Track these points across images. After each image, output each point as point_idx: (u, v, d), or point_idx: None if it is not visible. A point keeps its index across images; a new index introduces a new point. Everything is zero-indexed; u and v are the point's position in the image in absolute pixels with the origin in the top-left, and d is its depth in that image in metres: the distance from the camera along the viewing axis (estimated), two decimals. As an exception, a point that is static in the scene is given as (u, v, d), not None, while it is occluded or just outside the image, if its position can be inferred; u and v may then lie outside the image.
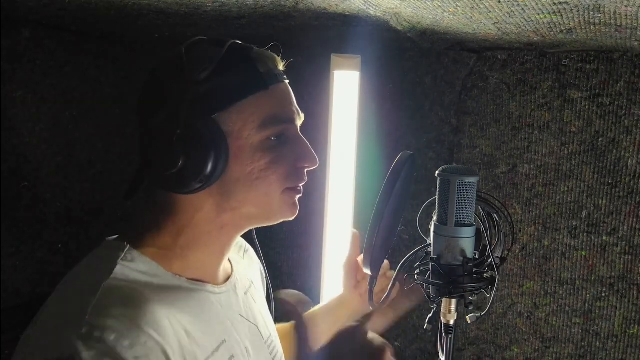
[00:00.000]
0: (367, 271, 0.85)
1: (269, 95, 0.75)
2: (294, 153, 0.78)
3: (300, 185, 0.79)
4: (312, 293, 1.40)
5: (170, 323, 0.67)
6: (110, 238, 0.77)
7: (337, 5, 1.06)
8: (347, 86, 1.35)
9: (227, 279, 0.85)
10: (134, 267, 0.70)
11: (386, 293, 0.91)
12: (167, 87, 0.73)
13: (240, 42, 0.77)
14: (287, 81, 0.80)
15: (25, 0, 1.27)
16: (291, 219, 0.81)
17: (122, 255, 0.70)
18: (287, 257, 1.86)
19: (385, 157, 1.61)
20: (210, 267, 0.81)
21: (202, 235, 0.77)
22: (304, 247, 1.80)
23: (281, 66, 0.80)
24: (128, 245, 0.72)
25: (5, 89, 1.71)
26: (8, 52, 1.70)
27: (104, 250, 0.74)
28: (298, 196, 0.80)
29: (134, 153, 2.15)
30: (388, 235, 0.84)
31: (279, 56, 0.80)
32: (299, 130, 0.80)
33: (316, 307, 1.14)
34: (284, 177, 0.76)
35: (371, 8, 1.05)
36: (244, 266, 0.96)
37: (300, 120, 0.81)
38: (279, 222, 0.81)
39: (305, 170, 0.79)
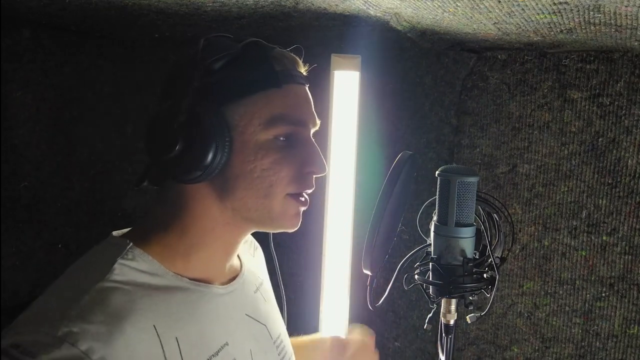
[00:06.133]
0: (367, 271, 0.85)
1: (281, 94, 0.74)
2: (301, 156, 0.75)
3: (305, 193, 0.77)
4: (312, 293, 1.40)
5: (157, 333, 0.67)
6: (117, 232, 0.77)
7: (337, 5, 1.06)
8: (347, 86, 1.35)
9: (235, 277, 0.84)
10: (134, 265, 0.70)
11: (385, 294, 0.92)
12: (179, 76, 0.73)
13: (262, 41, 0.76)
14: (306, 85, 0.78)
15: (25, 0, 1.27)
16: (291, 230, 0.78)
17: (123, 254, 0.70)
18: (287, 258, 1.86)
19: (385, 157, 1.61)
20: (215, 267, 0.80)
21: (206, 233, 0.76)
22: (304, 247, 1.80)
23: (302, 69, 0.79)
24: (131, 243, 0.72)
25: (5, 89, 1.71)
26: (8, 52, 1.70)
27: (107, 246, 0.74)
28: (302, 208, 0.77)
29: (134, 153, 2.16)
30: (388, 235, 0.84)
31: (300, 59, 0.79)
32: (311, 135, 0.78)
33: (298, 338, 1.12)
34: (286, 180, 0.74)
35: (371, 8, 1.05)
36: (255, 264, 0.95)
37: (314, 126, 0.79)
38: (279, 231, 0.79)
39: (313, 176, 0.77)
